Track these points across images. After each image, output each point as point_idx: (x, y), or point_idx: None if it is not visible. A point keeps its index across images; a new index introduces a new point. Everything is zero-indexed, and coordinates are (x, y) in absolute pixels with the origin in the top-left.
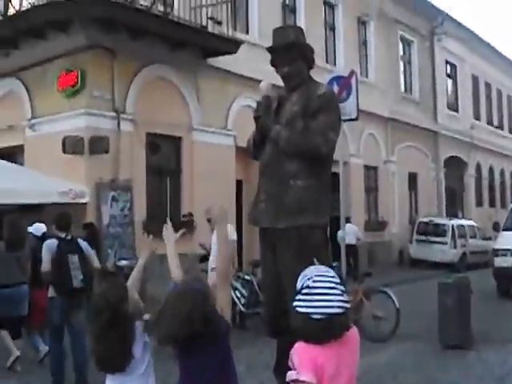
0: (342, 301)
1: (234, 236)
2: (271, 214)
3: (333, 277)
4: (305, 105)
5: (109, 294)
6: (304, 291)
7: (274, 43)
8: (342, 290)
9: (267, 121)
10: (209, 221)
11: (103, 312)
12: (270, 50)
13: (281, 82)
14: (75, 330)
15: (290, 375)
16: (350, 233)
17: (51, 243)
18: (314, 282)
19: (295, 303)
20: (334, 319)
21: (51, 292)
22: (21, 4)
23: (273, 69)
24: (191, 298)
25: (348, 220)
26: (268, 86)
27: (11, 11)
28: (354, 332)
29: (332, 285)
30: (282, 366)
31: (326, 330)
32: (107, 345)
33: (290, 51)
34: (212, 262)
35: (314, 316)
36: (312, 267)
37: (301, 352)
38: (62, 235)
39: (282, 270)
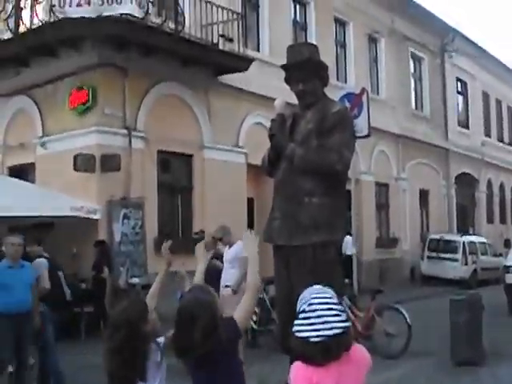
0: (339, 321)
1: (245, 253)
2: (286, 231)
3: (329, 297)
4: (319, 122)
5: (129, 310)
6: (301, 315)
7: (289, 60)
8: (339, 310)
9: (282, 139)
10: (220, 240)
11: (121, 329)
12: (284, 67)
13: (294, 100)
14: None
15: None
16: (348, 244)
17: (43, 261)
18: (310, 305)
19: (294, 328)
20: (331, 341)
21: (41, 307)
22: (32, 21)
23: (284, 86)
24: (202, 310)
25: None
26: (282, 103)
27: (22, 29)
28: (358, 350)
29: (328, 306)
30: None
31: (323, 353)
32: (120, 363)
33: (304, 69)
34: (224, 280)
35: (312, 339)
36: (309, 289)
37: (297, 371)
38: (45, 253)
39: (296, 287)
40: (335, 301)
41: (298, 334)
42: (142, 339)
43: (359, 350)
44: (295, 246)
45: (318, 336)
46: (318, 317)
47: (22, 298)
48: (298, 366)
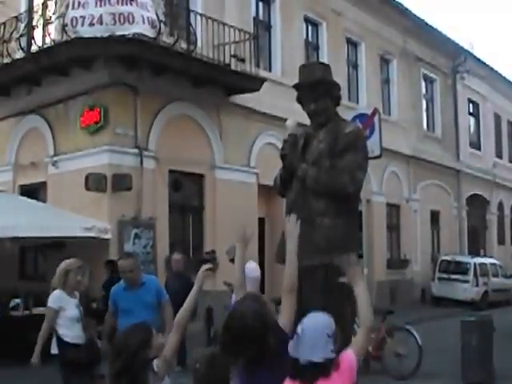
0: (325, 351)
1: (257, 273)
2: (300, 252)
3: (323, 325)
4: (332, 143)
5: (131, 336)
6: (294, 337)
7: (301, 80)
8: (329, 338)
9: (294, 159)
10: (232, 260)
11: (121, 354)
12: (296, 86)
13: (306, 120)
14: None
15: None
16: None
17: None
18: (302, 330)
19: (289, 346)
20: (316, 366)
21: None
22: (44, 41)
23: (296, 106)
24: (253, 318)
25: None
26: (294, 123)
27: (34, 48)
28: (346, 359)
29: (318, 334)
30: None
31: (309, 374)
32: None
33: (316, 88)
34: (234, 299)
35: (300, 361)
36: (310, 314)
37: None
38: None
39: (307, 308)
40: (327, 330)
41: (290, 353)
42: (142, 365)
43: (346, 360)
44: (307, 266)
45: (304, 359)
46: (307, 342)
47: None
48: (286, 382)
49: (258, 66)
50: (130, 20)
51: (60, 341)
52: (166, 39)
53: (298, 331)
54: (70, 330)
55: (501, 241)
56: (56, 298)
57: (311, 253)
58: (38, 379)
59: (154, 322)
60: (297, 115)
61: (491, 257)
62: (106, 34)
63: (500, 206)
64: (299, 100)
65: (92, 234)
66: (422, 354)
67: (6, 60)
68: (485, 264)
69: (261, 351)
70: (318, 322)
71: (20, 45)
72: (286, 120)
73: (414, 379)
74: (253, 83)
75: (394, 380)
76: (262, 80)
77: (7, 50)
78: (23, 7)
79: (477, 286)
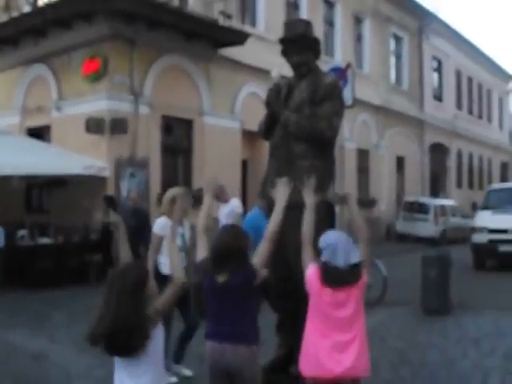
0: (357, 254)
1: (240, 209)
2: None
3: (346, 237)
4: (312, 92)
5: (128, 275)
6: (328, 249)
7: (286, 35)
8: (354, 245)
9: (278, 106)
10: (217, 197)
11: (115, 290)
12: (281, 40)
13: (288, 72)
14: None
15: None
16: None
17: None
18: (336, 241)
19: (322, 258)
20: (356, 266)
21: None
22: None
23: (278, 59)
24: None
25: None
26: (278, 74)
27: (41, 3)
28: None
29: (349, 242)
30: (283, 325)
31: (347, 276)
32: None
33: (299, 42)
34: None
35: (341, 266)
36: (329, 232)
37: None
38: None
39: (289, 241)
40: (350, 239)
41: (327, 262)
42: (141, 302)
43: (365, 277)
44: (288, 206)
45: (345, 263)
46: (344, 248)
47: None
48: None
49: (243, 22)
50: None
51: (157, 268)
52: None
53: (331, 242)
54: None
55: (459, 185)
56: (161, 224)
57: (293, 192)
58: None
59: None
60: (279, 68)
61: (450, 199)
62: None
63: (459, 154)
64: (284, 53)
65: (92, 172)
66: (387, 284)
67: (15, 14)
68: (444, 205)
69: (238, 265)
70: (342, 235)
71: (27, 0)
72: (268, 72)
73: (379, 306)
74: (238, 37)
75: None
76: (247, 35)
77: (16, 5)
78: None
79: (436, 224)
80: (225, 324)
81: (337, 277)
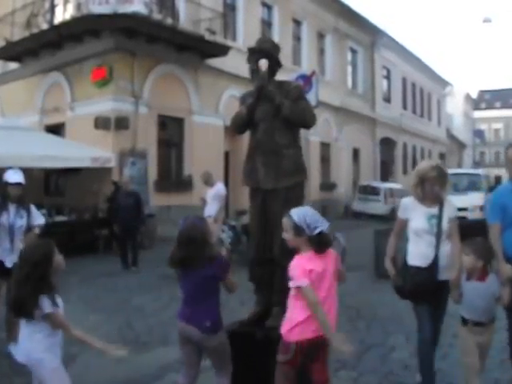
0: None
1: (223, 191)
2: (272, 177)
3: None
4: (287, 92)
5: (35, 251)
6: (306, 222)
7: (255, 45)
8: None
9: (272, 91)
10: (206, 183)
11: (23, 266)
12: (249, 49)
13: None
14: None
15: (292, 284)
16: None
17: None
18: (306, 214)
19: (317, 230)
20: (324, 235)
21: None
22: (64, 16)
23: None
24: (197, 229)
25: None
26: (266, 64)
27: (56, 21)
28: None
29: (315, 213)
30: (260, 287)
31: (321, 243)
32: (22, 293)
33: (263, 53)
34: (207, 211)
35: (323, 232)
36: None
37: (295, 264)
38: None
39: (271, 216)
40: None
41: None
42: (42, 276)
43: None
44: (273, 189)
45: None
46: (315, 218)
47: None
48: (295, 260)
49: (225, 37)
50: (130, 0)
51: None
52: (157, 16)
53: (305, 217)
54: (415, 245)
55: (404, 171)
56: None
57: (282, 176)
58: None
59: None
60: (266, 61)
61: (397, 183)
62: (111, 11)
63: (404, 146)
64: (249, 60)
65: (100, 162)
66: (346, 253)
67: (35, 30)
68: (392, 188)
69: (201, 256)
70: (307, 208)
71: (45, 19)
72: (246, 79)
73: None
74: (221, 50)
75: None
76: (229, 48)
77: (36, 23)
78: None
79: (386, 204)
80: (188, 307)
81: (328, 242)
